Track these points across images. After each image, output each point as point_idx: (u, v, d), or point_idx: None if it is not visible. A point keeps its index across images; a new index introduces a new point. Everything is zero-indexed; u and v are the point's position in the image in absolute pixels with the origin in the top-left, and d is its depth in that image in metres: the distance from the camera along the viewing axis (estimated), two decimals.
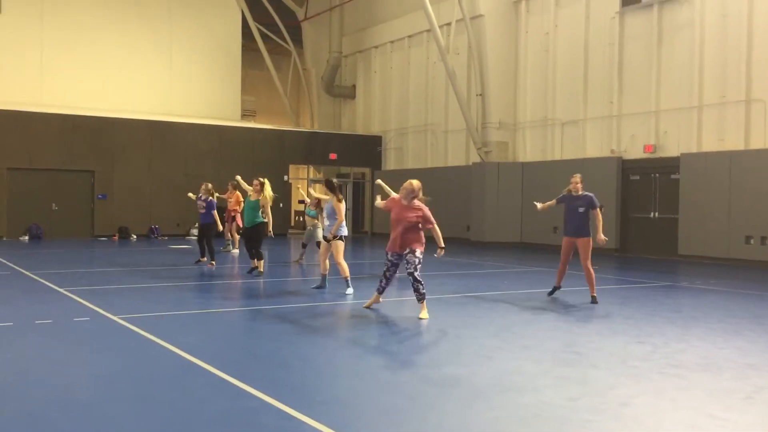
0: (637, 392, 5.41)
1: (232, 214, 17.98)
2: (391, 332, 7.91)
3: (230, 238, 18.30)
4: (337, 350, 6.97)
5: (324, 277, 11.02)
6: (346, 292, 10.47)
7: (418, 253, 8.61)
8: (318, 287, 10.99)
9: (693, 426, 4.64)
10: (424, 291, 8.64)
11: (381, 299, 9.27)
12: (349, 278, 10.64)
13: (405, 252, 8.66)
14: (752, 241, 16.73)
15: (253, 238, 12.99)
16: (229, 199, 18.04)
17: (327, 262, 11.00)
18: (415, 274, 8.57)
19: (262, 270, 12.93)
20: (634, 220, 19.72)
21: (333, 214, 10.69)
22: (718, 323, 8.56)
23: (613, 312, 9.32)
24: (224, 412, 4.76)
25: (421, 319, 8.45)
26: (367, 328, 8.04)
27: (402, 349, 7.10)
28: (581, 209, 10.20)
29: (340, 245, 10.62)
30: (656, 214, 19.15)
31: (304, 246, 15.83)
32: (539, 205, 10.78)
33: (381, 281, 9.13)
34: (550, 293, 10.68)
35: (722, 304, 10.35)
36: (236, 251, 17.77)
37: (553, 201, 10.72)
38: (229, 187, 18.23)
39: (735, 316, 9.10)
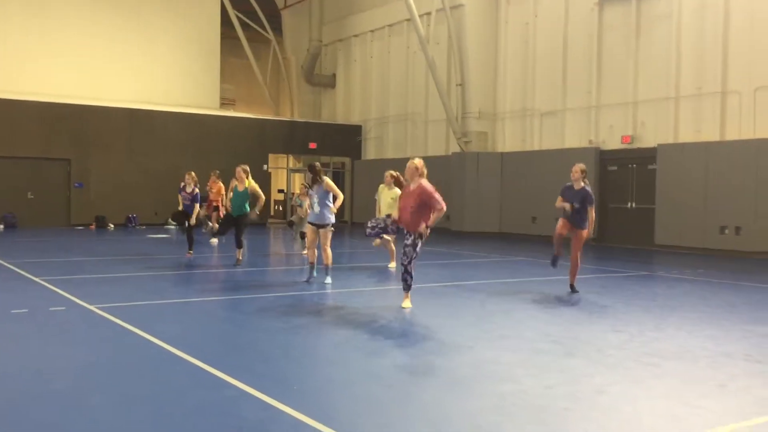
0: (613, 380, 5.48)
1: (214, 204, 17.90)
2: (371, 321, 7.92)
3: (212, 227, 18.20)
4: (316, 340, 6.98)
5: (312, 266, 10.82)
6: (326, 281, 10.46)
7: (418, 248, 8.35)
8: (309, 279, 10.74)
9: (668, 413, 4.71)
10: (411, 283, 8.55)
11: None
12: (330, 266, 10.62)
13: (407, 236, 8.34)
14: (727, 231, 16.96)
15: (240, 226, 12.81)
16: (211, 190, 17.96)
17: (315, 250, 10.91)
18: (408, 267, 8.39)
19: (241, 258, 12.87)
20: (611, 210, 19.90)
21: (324, 199, 10.55)
22: (693, 312, 8.68)
23: (590, 301, 9.42)
24: (203, 402, 4.75)
25: (403, 308, 8.48)
26: (347, 318, 8.05)
27: (381, 338, 7.12)
28: (577, 205, 9.78)
29: (330, 233, 10.58)
30: (633, 204, 19.33)
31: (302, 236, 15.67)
32: (567, 206, 9.91)
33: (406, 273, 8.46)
34: (553, 263, 10.25)
35: (697, 293, 10.49)
36: (215, 240, 17.67)
37: (559, 199, 10.01)
38: (212, 177, 18.16)
39: (710, 305, 9.24)
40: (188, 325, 7.58)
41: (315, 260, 10.86)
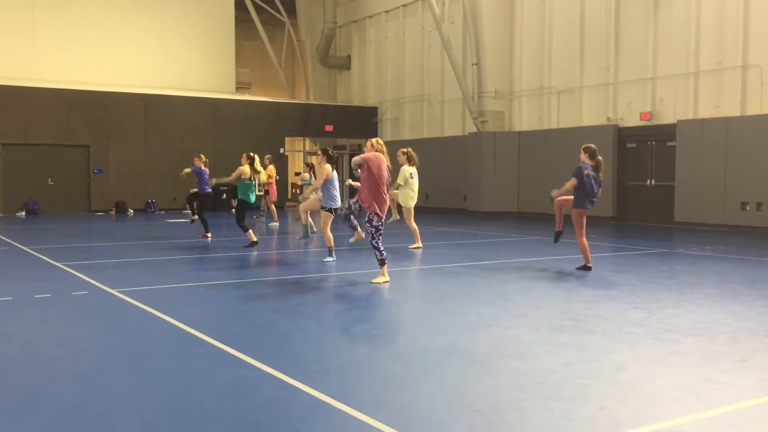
0: (632, 357, 5.47)
1: (265, 188, 18.19)
2: (390, 302, 7.95)
3: (265, 209, 18.72)
4: (335, 320, 7.02)
5: (306, 227, 12.32)
6: (326, 260, 10.74)
7: (375, 223, 9.03)
8: (302, 237, 12.44)
9: (688, 389, 4.69)
10: (382, 258, 9.07)
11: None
12: (333, 248, 10.89)
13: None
14: (748, 207, 16.78)
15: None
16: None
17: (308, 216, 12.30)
18: (373, 242, 9.03)
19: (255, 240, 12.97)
20: (630, 187, 19.74)
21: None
22: (714, 288, 8.62)
23: (609, 279, 9.38)
24: (224, 383, 4.81)
25: (372, 282, 8.93)
26: (365, 299, 8.08)
27: (400, 318, 7.15)
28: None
29: (328, 217, 11.00)
30: (652, 181, 19.17)
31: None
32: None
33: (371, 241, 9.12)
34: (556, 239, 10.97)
35: (718, 269, 10.41)
36: (275, 223, 18.05)
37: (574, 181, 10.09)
38: (265, 161, 18.33)
39: (730, 282, 9.16)
40: (208, 308, 7.65)
41: (307, 222, 12.62)
